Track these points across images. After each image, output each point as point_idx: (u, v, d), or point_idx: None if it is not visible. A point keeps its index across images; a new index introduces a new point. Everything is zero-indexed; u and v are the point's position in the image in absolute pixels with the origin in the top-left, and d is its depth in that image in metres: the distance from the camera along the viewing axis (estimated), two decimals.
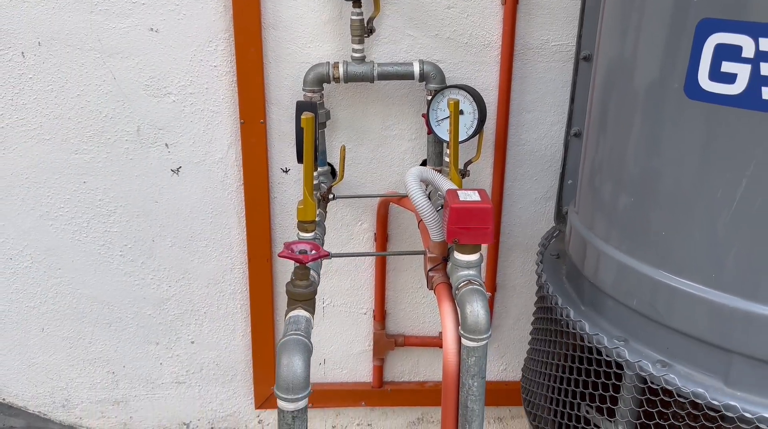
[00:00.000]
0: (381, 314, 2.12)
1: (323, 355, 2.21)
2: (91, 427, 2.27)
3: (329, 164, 1.92)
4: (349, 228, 2.04)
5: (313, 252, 1.22)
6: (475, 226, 1.23)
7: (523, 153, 1.97)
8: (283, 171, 1.96)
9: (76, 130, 1.89)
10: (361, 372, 2.23)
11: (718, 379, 1.14)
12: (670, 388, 1.17)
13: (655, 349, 1.22)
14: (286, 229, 2.02)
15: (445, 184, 1.40)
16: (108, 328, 2.13)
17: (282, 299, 2.07)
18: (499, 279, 2.11)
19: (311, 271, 1.29)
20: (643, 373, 1.21)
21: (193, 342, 2.16)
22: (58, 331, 2.13)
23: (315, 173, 1.49)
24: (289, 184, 1.98)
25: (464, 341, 1.24)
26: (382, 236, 2.02)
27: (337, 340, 2.19)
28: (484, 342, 1.23)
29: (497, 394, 2.23)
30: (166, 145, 1.93)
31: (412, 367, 2.23)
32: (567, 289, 1.47)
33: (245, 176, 1.94)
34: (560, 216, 1.80)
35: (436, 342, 2.16)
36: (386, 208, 1.99)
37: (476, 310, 1.22)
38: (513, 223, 2.05)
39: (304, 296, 1.24)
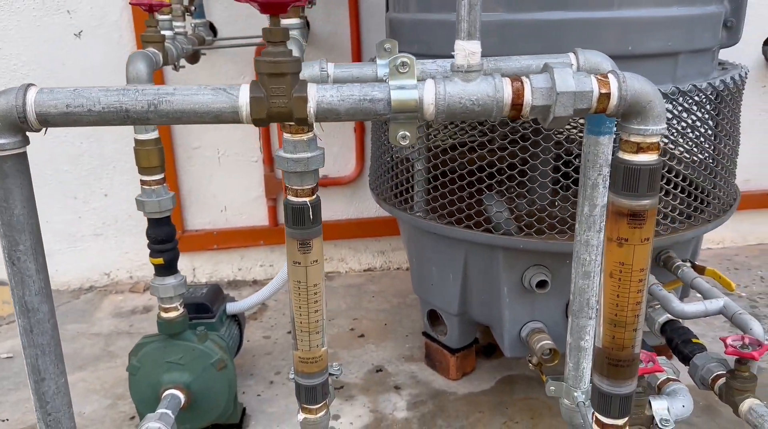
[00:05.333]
0: (269, 158, 2.47)
1: (223, 203, 2.55)
2: None
3: (209, 22, 2.28)
4: (233, 83, 2.39)
5: None
6: None
7: None
8: None
9: None
10: (259, 216, 2.58)
11: None
12: None
13: None
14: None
15: None
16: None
17: (181, 134, 2.42)
18: None
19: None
20: None
21: (106, 195, 2.48)
22: None
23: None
24: None
25: None
26: None
27: (235, 188, 2.53)
28: None
29: (376, 226, 2.61)
30: (68, 11, 2.25)
31: None
32: None
33: (137, 37, 2.27)
34: None
35: (320, 182, 2.52)
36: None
37: None
38: None
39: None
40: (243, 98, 0.78)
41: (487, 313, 1.77)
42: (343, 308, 2.41)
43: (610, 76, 0.83)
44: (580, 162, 1.12)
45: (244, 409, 1.80)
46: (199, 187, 2.51)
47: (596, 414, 1.00)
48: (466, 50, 0.80)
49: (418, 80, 0.83)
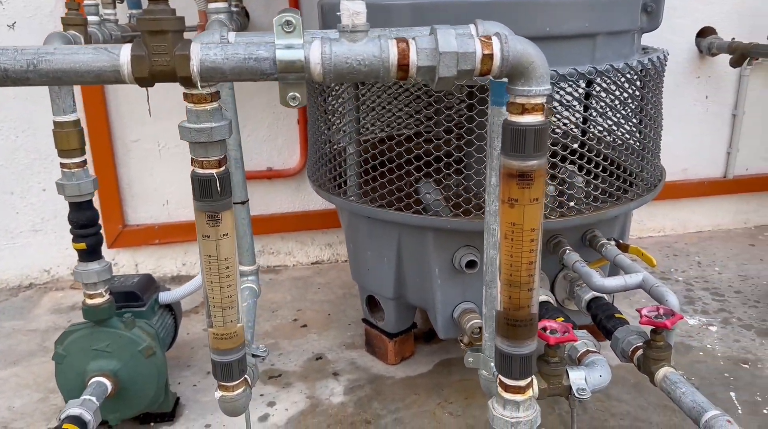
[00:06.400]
0: None
1: (165, 197, 2.52)
2: None
3: None
4: None
5: None
6: None
7: None
8: None
9: None
10: None
11: None
12: None
13: None
14: None
15: None
16: None
17: (119, 126, 2.39)
18: None
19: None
20: None
21: (44, 190, 2.44)
22: None
23: None
24: None
25: None
26: None
27: (177, 181, 2.51)
28: None
29: (323, 219, 2.61)
30: (1, 2, 2.21)
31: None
32: None
33: None
34: None
35: (264, 175, 2.52)
36: None
37: None
38: None
39: None
40: (124, 57, 0.78)
41: (421, 296, 1.78)
42: (287, 300, 2.40)
43: (493, 37, 0.85)
44: None
45: (178, 399, 1.78)
46: (139, 181, 2.48)
47: (499, 376, 1.02)
48: (351, 10, 0.81)
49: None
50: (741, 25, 2.68)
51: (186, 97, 1.02)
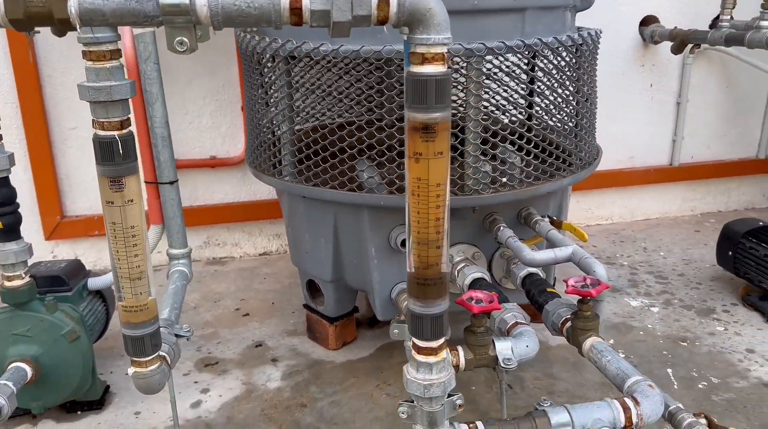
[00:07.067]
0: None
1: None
2: None
3: None
4: None
5: None
6: None
7: None
8: None
9: None
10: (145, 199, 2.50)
11: None
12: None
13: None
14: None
15: None
16: None
17: (55, 114, 2.32)
18: None
19: None
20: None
21: None
22: None
23: None
24: None
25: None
26: None
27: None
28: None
29: (271, 209, 2.57)
30: None
31: (190, 192, 2.53)
32: None
33: None
34: None
35: (208, 163, 2.47)
36: None
37: None
38: None
39: None
40: None
41: (359, 278, 1.76)
42: (231, 290, 2.35)
43: None
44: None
45: (108, 387, 1.72)
46: (77, 170, 2.41)
47: (413, 339, 1.00)
48: None
49: None
50: (683, 14, 2.72)
51: (84, 54, 0.98)
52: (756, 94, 2.95)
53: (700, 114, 2.91)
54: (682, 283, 2.32)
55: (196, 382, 1.77)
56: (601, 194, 2.93)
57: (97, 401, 1.64)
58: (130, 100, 1.03)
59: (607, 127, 2.76)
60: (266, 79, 1.67)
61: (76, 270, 1.73)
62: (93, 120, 1.01)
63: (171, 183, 1.60)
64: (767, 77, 2.90)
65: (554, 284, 1.97)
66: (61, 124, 2.35)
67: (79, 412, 1.63)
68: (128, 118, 1.03)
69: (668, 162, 2.95)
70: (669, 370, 1.79)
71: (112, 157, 1.02)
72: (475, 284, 1.55)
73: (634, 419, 1.10)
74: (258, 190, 2.59)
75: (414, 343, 1.00)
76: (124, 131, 1.02)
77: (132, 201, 1.06)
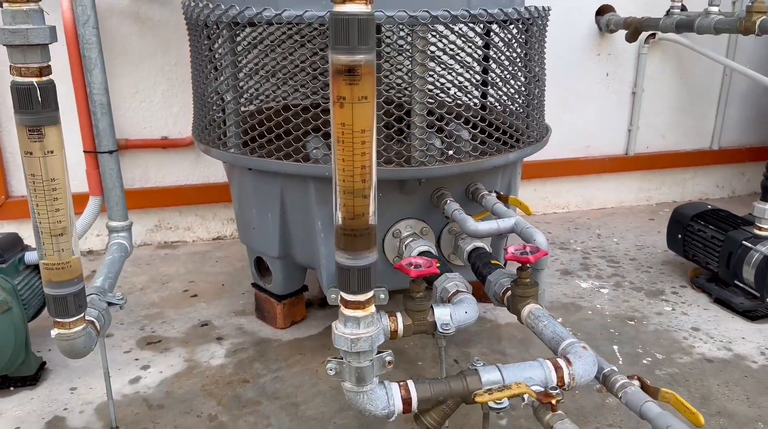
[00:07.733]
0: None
1: None
2: None
3: None
4: None
5: None
6: None
7: None
8: None
9: None
10: None
11: None
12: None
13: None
14: None
15: None
16: None
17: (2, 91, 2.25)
18: None
19: None
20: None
21: None
22: None
23: None
24: None
25: None
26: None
27: (66, 148, 2.37)
28: None
29: (225, 192, 2.53)
30: None
31: (142, 174, 2.47)
32: None
33: None
34: None
35: (159, 144, 2.42)
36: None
37: None
38: None
39: None
40: None
41: (307, 254, 1.73)
42: (181, 273, 2.31)
43: None
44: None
45: (44, 363, 1.67)
46: None
47: (341, 293, 0.98)
48: None
49: None
50: (637, 4, 2.76)
51: None
52: (710, 86, 3.01)
53: (656, 104, 2.95)
54: (633, 267, 2.34)
55: (136, 360, 1.72)
56: (557, 183, 2.95)
57: (31, 377, 1.59)
58: (50, 46, 0.99)
59: (563, 116, 2.79)
60: (211, 48, 1.64)
61: (13, 243, 1.67)
62: (10, 66, 0.98)
63: (110, 152, 1.56)
64: (721, 69, 2.96)
65: (505, 265, 1.97)
66: (6, 102, 2.28)
67: (11, 388, 1.58)
68: (48, 66, 1.00)
69: (624, 151, 2.99)
70: (615, 347, 1.80)
71: (30, 104, 0.98)
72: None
73: (566, 379, 1.09)
74: (212, 173, 2.54)
75: (342, 298, 0.98)
76: (44, 79, 0.99)
77: (52, 152, 1.02)
